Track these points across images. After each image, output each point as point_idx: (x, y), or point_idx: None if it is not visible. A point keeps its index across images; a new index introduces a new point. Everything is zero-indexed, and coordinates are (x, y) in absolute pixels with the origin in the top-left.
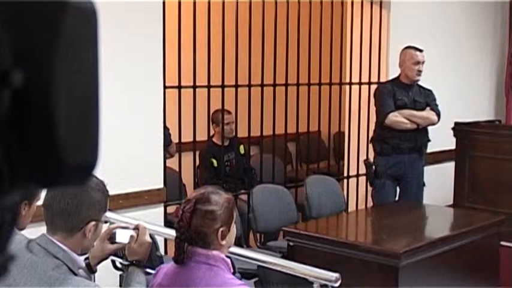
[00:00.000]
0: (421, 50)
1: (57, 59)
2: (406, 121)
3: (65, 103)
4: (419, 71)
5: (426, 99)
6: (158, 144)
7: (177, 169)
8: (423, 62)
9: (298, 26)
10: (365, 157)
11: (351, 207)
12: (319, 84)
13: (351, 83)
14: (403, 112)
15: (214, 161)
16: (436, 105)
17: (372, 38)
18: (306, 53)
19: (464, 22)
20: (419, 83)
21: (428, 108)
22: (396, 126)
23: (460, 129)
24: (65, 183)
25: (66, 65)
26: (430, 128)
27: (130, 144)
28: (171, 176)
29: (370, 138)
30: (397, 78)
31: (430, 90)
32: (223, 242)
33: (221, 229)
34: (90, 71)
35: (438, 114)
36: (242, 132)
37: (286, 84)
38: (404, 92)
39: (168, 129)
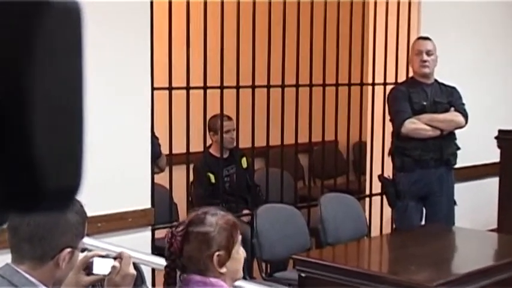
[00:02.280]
0: (426, 38)
1: (34, 66)
2: (427, 127)
3: (43, 117)
4: (424, 61)
5: (449, 99)
6: (145, 157)
7: (168, 186)
8: (428, 51)
9: (311, 21)
10: (390, 171)
11: (374, 231)
12: (336, 85)
13: (374, 84)
14: (422, 117)
15: (212, 176)
16: (462, 105)
17: (399, 33)
18: (321, 50)
19: (506, 22)
20: (441, 80)
21: (452, 109)
22: (415, 135)
23: (505, 138)
24: (44, 209)
25: (44, 72)
26: (467, 138)
27: (112, 157)
28: (160, 194)
29: (388, 152)
30: (412, 77)
31: (453, 88)
32: (223, 270)
33: (217, 253)
34: (73, 80)
35: (465, 115)
36: (245, 142)
37: (297, 85)
38: (421, 92)
39: (157, 139)
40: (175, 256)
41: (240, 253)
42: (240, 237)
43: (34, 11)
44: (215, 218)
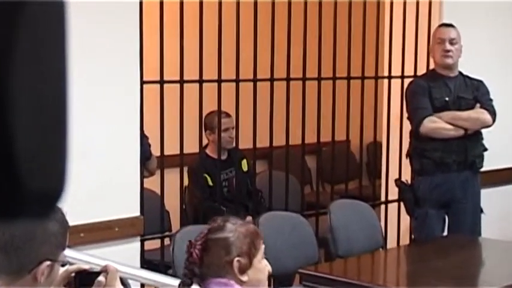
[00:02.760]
0: (449, 25)
1: (15, 64)
2: (449, 126)
3: (24, 116)
4: (446, 51)
5: (475, 94)
6: (133, 159)
7: (159, 191)
8: (452, 40)
9: (320, 9)
10: (409, 175)
11: (391, 242)
12: (348, 78)
13: (390, 77)
14: (444, 115)
15: (209, 178)
16: (490, 101)
17: (418, 20)
18: (331, 40)
19: None
20: (466, 72)
21: (478, 105)
22: (436, 135)
23: None
24: (23, 214)
25: (26, 70)
26: (495, 138)
27: (96, 159)
28: (150, 201)
29: (406, 153)
30: (433, 70)
31: (480, 81)
32: (244, 278)
33: (237, 259)
34: (57, 78)
35: (492, 113)
36: (245, 142)
37: (304, 79)
38: (443, 87)
39: (147, 138)
40: (194, 266)
41: (263, 263)
42: (263, 246)
43: (14, 7)
44: (235, 226)
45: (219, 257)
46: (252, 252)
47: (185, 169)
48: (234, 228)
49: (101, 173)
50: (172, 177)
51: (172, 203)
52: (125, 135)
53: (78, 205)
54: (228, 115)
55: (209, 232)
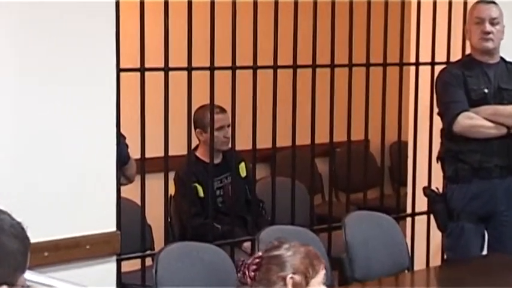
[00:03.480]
0: (489, 2)
1: None
2: (489, 124)
3: None
4: (486, 33)
5: None
6: (108, 162)
7: (139, 201)
8: (493, 20)
9: None
10: (440, 183)
11: (418, 263)
12: (367, 65)
13: (418, 63)
14: (483, 110)
15: (200, 188)
16: None
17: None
18: (346, 20)
19: None
20: (510, 58)
21: None
22: (473, 134)
23: None
24: None
25: None
26: None
27: (63, 163)
28: (128, 213)
29: (437, 156)
30: (469, 55)
31: None
32: None
33: (290, 276)
34: None
35: None
36: (243, 143)
37: (314, 66)
38: (482, 76)
39: (124, 138)
40: (247, 286)
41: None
42: (323, 272)
43: None
44: (293, 245)
45: (271, 273)
46: (309, 272)
47: (171, 175)
48: (290, 247)
49: (69, 179)
50: (155, 184)
51: (155, 216)
52: (97, 134)
53: (40, 218)
54: (222, 110)
55: (264, 252)
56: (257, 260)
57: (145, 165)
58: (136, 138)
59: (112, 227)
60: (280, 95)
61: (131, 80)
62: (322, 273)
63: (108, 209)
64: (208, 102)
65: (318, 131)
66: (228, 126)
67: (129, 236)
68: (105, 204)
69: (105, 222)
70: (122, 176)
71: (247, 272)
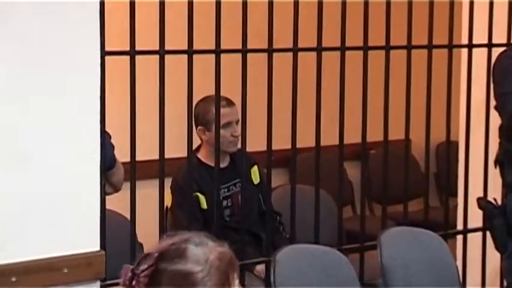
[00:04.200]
0: None
1: None
2: None
3: None
4: None
5: None
6: (90, 167)
7: (128, 215)
8: None
9: None
10: (498, 193)
11: None
12: (408, 47)
13: (471, 45)
14: None
15: (203, 198)
16: None
17: None
18: None
19: None
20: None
21: None
22: None
23: None
24: None
25: None
26: None
27: (34, 168)
28: (115, 229)
29: (494, 159)
30: None
31: None
32: None
33: None
34: None
35: None
36: (256, 142)
37: (343, 48)
38: None
39: (109, 137)
40: None
41: None
42: (237, 281)
43: None
44: (202, 250)
45: None
46: None
47: (167, 182)
48: (201, 257)
49: (41, 188)
50: (148, 193)
51: (148, 232)
52: (76, 132)
53: (6, 236)
54: (230, 103)
55: (161, 258)
56: (152, 270)
57: (136, 170)
58: (125, 137)
59: (95, 246)
60: (301, 83)
61: (119, 65)
62: (237, 284)
63: (90, 223)
64: (212, 93)
65: (347, 128)
66: (237, 122)
67: (116, 257)
68: (87, 218)
69: (87, 241)
70: (107, 184)
71: (136, 286)
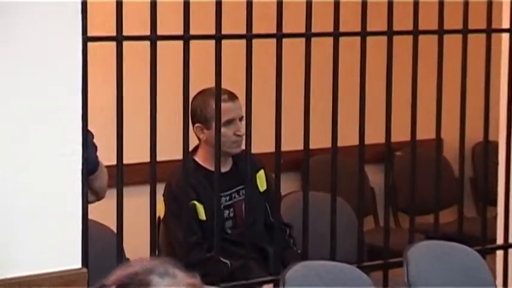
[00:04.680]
0: None
1: None
2: None
3: None
4: None
5: None
6: (69, 171)
7: (113, 226)
8: None
9: None
10: None
11: None
12: (440, 32)
13: None
14: None
15: (201, 208)
16: None
17: None
18: None
19: None
20: None
21: None
22: None
23: None
24: None
25: None
26: None
27: (5, 172)
28: (99, 243)
29: None
30: None
31: None
32: None
33: None
34: None
35: None
36: (263, 143)
37: (364, 34)
38: None
39: (92, 136)
40: None
41: None
42: None
43: None
44: (169, 282)
45: None
46: None
47: (159, 188)
48: None
49: (14, 196)
50: (137, 202)
51: (137, 246)
52: (54, 131)
53: None
54: (232, 96)
55: None
56: None
57: (123, 175)
58: (110, 136)
59: (76, 263)
60: (315, 74)
61: (104, 53)
62: None
63: (70, 237)
64: (212, 85)
65: (368, 127)
66: (241, 119)
67: (100, 275)
68: (66, 231)
69: (67, 257)
70: (89, 190)
71: None
